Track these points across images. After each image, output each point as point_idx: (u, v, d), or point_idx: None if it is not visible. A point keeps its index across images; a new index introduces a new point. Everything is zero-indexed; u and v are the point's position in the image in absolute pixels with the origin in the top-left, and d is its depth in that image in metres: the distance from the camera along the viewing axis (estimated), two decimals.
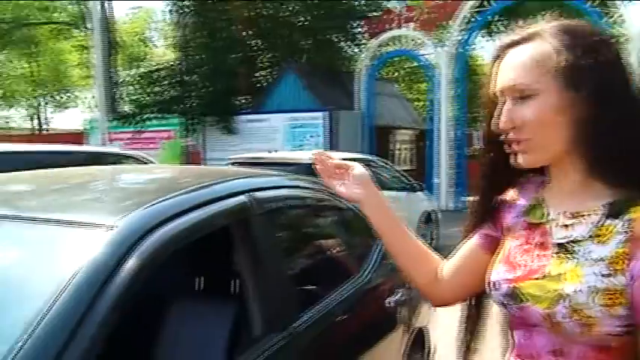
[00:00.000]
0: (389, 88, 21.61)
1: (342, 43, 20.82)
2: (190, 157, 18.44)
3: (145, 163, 8.21)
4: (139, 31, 34.05)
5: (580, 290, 1.06)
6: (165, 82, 18.73)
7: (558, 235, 1.16)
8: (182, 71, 18.58)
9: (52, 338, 1.24)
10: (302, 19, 19.46)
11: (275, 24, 19.18)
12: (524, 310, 1.14)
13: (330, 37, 20.02)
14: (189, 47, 18.97)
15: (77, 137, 20.06)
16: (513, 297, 1.16)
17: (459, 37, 15.30)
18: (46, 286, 1.35)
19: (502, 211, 1.31)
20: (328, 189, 2.86)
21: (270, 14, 19.34)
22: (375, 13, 19.08)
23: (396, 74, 28.34)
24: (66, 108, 35.20)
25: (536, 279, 1.14)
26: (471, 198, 1.43)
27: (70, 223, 1.58)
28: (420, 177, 14.21)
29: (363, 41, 19.23)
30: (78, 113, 35.37)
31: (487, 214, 1.34)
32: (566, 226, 1.15)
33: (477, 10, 14.85)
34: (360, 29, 19.76)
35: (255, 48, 20.15)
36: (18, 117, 33.98)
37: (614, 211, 1.10)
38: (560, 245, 1.15)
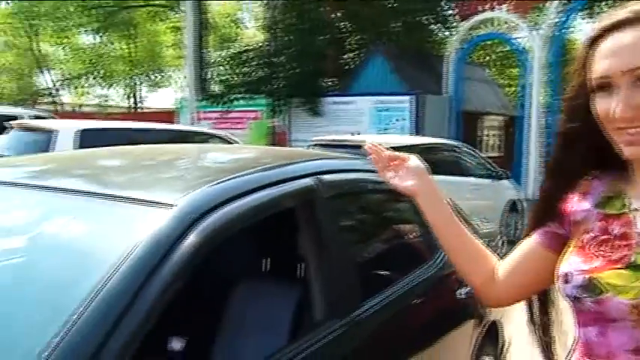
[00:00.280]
0: (479, 73, 20.97)
1: (432, 26, 20.37)
2: (276, 137, 18.69)
3: (230, 143, 8.42)
4: (231, 12, 34.72)
5: None
6: (254, 63, 19.01)
7: None
8: (270, 52, 18.79)
9: (108, 309, 1.28)
10: (391, 0, 19.16)
11: (364, 6, 18.99)
12: (603, 304, 1.07)
13: (420, 19, 19.62)
14: (277, 28, 19.15)
15: (169, 116, 20.78)
16: (590, 289, 1.09)
17: (556, 19, 14.57)
18: (101, 261, 1.39)
19: (569, 207, 1.24)
20: None
21: None
22: None
23: (487, 58, 27.45)
24: (160, 87, 36.61)
25: (619, 269, 1.08)
26: None
27: (134, 200, 1.62)
28: (508, 164, 13.75)
29: (454, 24, 18.72)
30: (171, 92, 36.67)
31: (552, 213, 1.27)
32: None
33: None
34: (450, 11, 19.23)
35: (343, 30, 20.07)
36: (116, 95, 35.66)
37: None
38: None
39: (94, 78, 32.07)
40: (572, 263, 1.15)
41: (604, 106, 1.10)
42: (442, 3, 19.28)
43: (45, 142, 6.31)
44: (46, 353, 1.17)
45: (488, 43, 23.23)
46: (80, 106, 33.93)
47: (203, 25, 19.07)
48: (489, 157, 11.07)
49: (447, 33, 19.88)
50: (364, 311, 2.07)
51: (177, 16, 25.93)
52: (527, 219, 1.35)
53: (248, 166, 2.23)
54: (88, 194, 1.71)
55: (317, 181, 2.09)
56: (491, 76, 24.58)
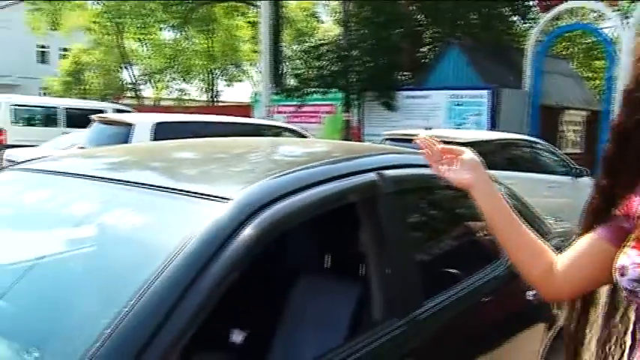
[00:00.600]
0: (561, 66, 20.13)
1: (513, 18, 19.72)
2: (350, 132, 18.65)
3: (302, 137, 8.46)
4: (307, 6, 34.94)
5: None
6: (328, 57, 19.02)
7: None
8: (345, 46, 18.75)
9: (160, 301, 1.29)
10: None
11: None
12: None
13: (500, 10, 19.04)
14: (353, 22, 19.07)
15: (245, 110, 21.15)
16: None
17: None
18: (155, 254, 1.40)
19: (632, 200, 1.21)
20: None
21: None
22: None
23: (571, 50, 26.35)
24: (237, 82, 37.37)
25: None
26: None
27: (193, 193, 1.63)
28: (588, 162, 13.13)
29: (536, 15, 18.04)
30: (247, 86, 37.35)
31: (611, 210, 1.24)
32: None
33: None
34: (532, 2, 18.54)
35: (419, 23, 19.77)
36: (194, 90, 36.65)
37: None
38: None
39: (174, 72, 33.12)
40: (630, 256, 1.14)
41: None
42: None
43: (123, 134, 6.56)
44: (99, 343, 1.19)
45: (573, 34, 22.29)
46: (160, 100, 35.14)
47: (279, 20, 19.26)
48: (568, 154, 10.62)
49: (527, 25, 19.19)
50: (425, 310, 2.01)
51: (254, 10, 26.32)
52: (583, 215, 1.32)
53: (310, 159, 2.21)
54: (149, 187, 1.73)
55: (379, 176, 2.05)
56: (574, 68, 23.57)
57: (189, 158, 2.42)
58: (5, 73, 37.82)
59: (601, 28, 15.77)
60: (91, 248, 1.65)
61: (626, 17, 14.66)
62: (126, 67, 33.95)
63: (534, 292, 2.65)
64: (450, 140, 7.47)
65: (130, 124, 6.80)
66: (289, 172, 1.81)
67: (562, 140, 17.31)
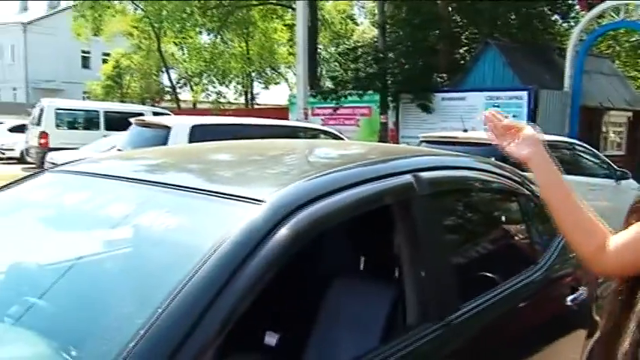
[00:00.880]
0: (605, 65, 19.66)
1: (553, 17, 19.38)
2: (387, 134, 18.57)
3: (340, 139, 8.45)
4: (343, 9, 34.95)
5: None
6: (365, 59, 18.98)
7: None
8: (381, 48, 18.69)
9: (194, 301, 1.29)
10: None
11: None
12: None
13: (538, 10, 18.71)
14: (389, 24, 19.00)
15: (282, 112, 21.25)
16: None
17: None
18: (188, 256, 1.41)
19: None
20: (512, 174, 2.68)
21: None
22: None
23: (614, 49, 25.70)
24: (274, 84, 37.62)
25: None
26: None
27: (227, 196, 1.64)
28: (632, 163, 12.77)
29: (578, 14, 17.68)
30: (284, 89, 37.56)
31: None
32: None
33: None
34: (573, 0, 18.15)
35: (457, 24, 19.58)
36: (231, 93, 37.00)
37: None
38: None
39: (211, 76, 33.51)
40: None
41: None
42: None
43: (161, 137, 6.66)
44: (133, 343, 1.20)
45: (617, 32, 21.73)
46: (197, 102, 35.60)
47: (315, 22, 19.30)
48: (609, 156, 10.35)
49: (568, 24, 18.82)
50: (461, 315, 1.97)
51: (291, 13, 26.45)
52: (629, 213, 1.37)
53: (345, 162, 2.20)
54: (185, 189, 1.75)
55: (415, 178, 2.02)
56: (618, 67, 22.99)
57: (224, 160, 2.43)
58: (50, 78, 38.95)
59: None
60: (128, 249, 1.67)
61: None
62: (164, 71, 34.51)
63: (573, 297, 2.59)
64: (487, 142, 7.36)
65: (167, 127, 6.91)
66: (324, 174, 1.80)
67: (603, 142, 16.90)
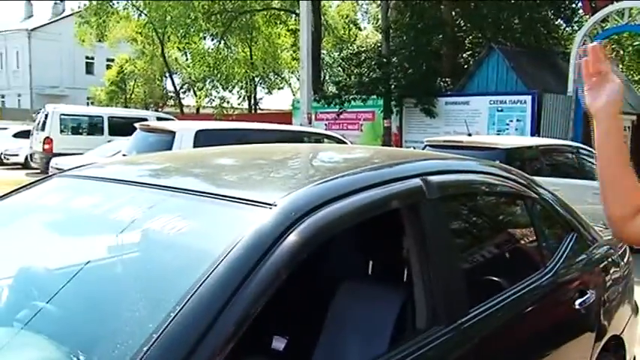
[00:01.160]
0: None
1: (558, 21, 19.37)
2: (391, 138, 18.57)
3: (343, 143, 8.46)
4: (347, 14, 35.01)
5: None
6: (368, 64, 18.99)
7: None
8: (384, 53, 18.70)
9: (207, 305, 1.29)
10: None
11: (482, 3, 18.40)
12: None
13: (542, 14, 18.70)
14: (393, 29, 19.01)
15: (285, 117, 21.28)
16: None
17: None
18: (200, 260, 1.40)
19: None
20: (519, 177, 2.67)
21: None
22: None
23: (619, 53, 25.66)
24: (278, 89, 37.67)
25: None
26: None
27: (237, 199, 1.64)
28: (636, 167, 12.70)
29: (581, 18, 17.65)
30: (288, 94, 37.60)
31: None
32: None
33: None
34: (577, 4, 18.14)
35: (460, 28, 19.58)
36: (235, 98, 37.06)
37: None
38: None
39: (215, 81, 33.59)
40: None
41: None
42: None
43: (166, 142, 6.67)
44: (146, 347, 1.20)
45: (620, 36, 21.68)
46: (201, 108, 35.67)
47: (319, 27, 19.33)
48: None
49: (572, 28, 18.81)
50: (470, 319, 1.97)
51: (295, 19, 26.51)
52: None
53: (353, 166, 2.20)
54: (193, 193, 1.75)
55: (424, 182, 2.02)
56: (622, 71, 22.96)
57: (232, 165, 2.43)
58: (54, 84, 39.09)
59: None
60: (140, 253, 1.67)
61: None
62: (168, 76, 34.59)
63: (582, 300, 2.58)
64: (492, 147, 7.32)
65: (172, 132, 6.91)
66: (334, 178, 1.80)
67: None
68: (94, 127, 17.67)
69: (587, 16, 16.30)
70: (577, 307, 2.58)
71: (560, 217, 2.88)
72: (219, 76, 32.46)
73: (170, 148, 6.47)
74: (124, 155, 7.31)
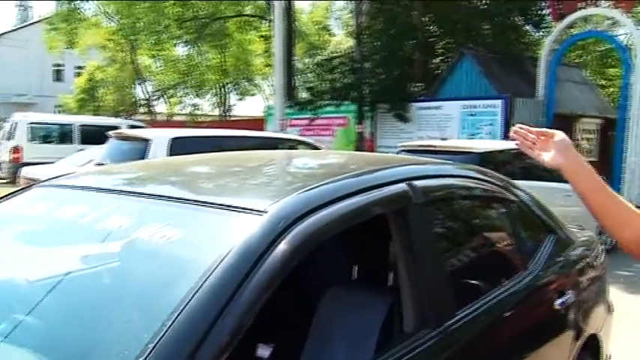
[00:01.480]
0: (575, 74, 20.02)
1: (526, 27, 19.67)
2: (364, 144, 18.64)
3: (319, 149, 8.47)
4: (319, 20, 35.09)
5: None
6: (341, 70, 19.04)
7: None
8: (357, 58, 18.78)
9: (201, 315, 1.28)
10: (482, 1, 18.66)
11: (453, 9, 18.62)
12: None
13: (512, 20, 19.00)
14: (365, 34, 19.11)
15: (258, 123, 21.19)
16: None
17: None
18: (193, 268, 1.39)
19: None
20: (497, 180, 2.72)
21: None
22: None
23: (584, 58, 26.21)
24: (250, 96, 37.48)
25: None
26: None
27: (226, 207, 1.63)
28: (603, 169, 12.98)
29: (549, 24, 17.95)
30: (259, 100, 37.46)
31: None
32: None
33: None
34: (545, 11, 18.47)
35: (432, 34, 19.76)
36: (207, 104, 36.79)
37: None
38: None
39: (187, 88, 33.34)
40: None
41: None
42: (537, 2, 18.51)
43: (140, 150, 6.59)
44: (142, 358, 1.19)
45: (586, 42, 22.17)
46: (172, 115, 35.34)
47: (291, 34, 19.33)
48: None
49: (540, 34, 19.13)
50: (456, 322, 1.99)
51: (267, 25, 26.48)
52: None
53: (339, 172, 2.20)
54: (181, 200, 1.73)
55: (409, 187, 2.04)
56: (588, 76, 23.45)
57: (215, 172, 2.42)
58: (22, 92, 38.36)
59: (616, 35, 15.64)
60: (129, 263, 1.65)
61: None
62: (139, 83, 34.22)
63: (561, 300, 2.62)
64: (466, 151, 7.41)
65: (146, 140, 6.84)
66: (321, 185, 1.80)
67: (576, 148, 17.14)
68: (64, 135, 17.38)
69: (555, 23, 16.62)
70: (557, 307, 2.62)
71: (539, 219, 2.93)
72: (191, 82, 32.21)
73: (144, 156, 6.40)
74: (96, 164, 7.20)
